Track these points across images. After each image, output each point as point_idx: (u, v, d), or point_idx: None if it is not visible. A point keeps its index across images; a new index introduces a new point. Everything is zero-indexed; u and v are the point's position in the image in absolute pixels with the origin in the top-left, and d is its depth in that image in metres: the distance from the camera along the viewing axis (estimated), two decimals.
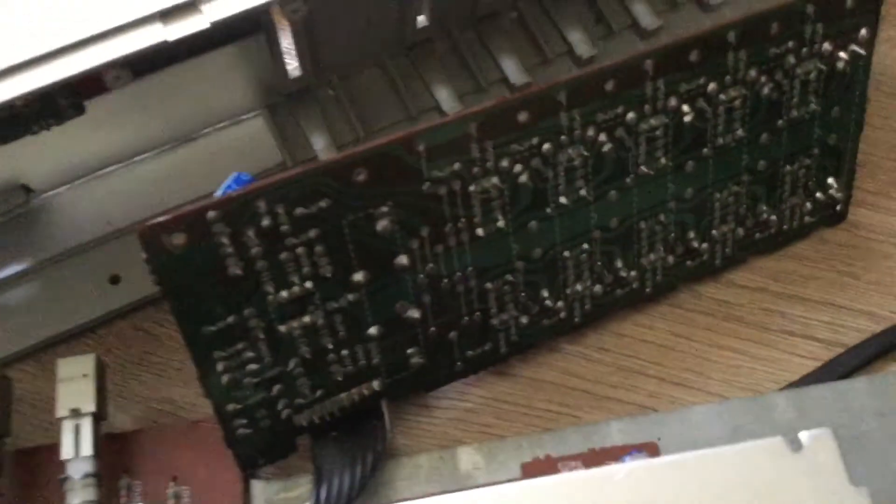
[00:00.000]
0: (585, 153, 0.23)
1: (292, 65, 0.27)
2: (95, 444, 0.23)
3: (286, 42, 0.25)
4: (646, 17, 0.29)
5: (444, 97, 0.28)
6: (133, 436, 0.25)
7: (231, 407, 0.22)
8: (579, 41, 0.28)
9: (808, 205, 0.28)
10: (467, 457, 0.25)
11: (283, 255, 0.21)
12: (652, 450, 0.24)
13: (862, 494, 0.18)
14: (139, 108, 0.26)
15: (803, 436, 0.19)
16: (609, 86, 0.22)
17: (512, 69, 0.28)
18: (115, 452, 0.24)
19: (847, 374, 0.27)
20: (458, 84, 0.28)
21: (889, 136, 0.30)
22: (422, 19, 0.28)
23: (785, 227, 0.28)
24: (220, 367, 0.22)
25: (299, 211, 0.20)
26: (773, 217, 0.27)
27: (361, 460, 0.23)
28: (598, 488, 0.18)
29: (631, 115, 0.23)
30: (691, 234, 0.26)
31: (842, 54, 0.25)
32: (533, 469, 0.24)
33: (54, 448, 0.23)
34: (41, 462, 0.24)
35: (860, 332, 0.27)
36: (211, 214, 0.20)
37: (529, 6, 0.29)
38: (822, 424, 0.25)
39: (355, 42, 0.27)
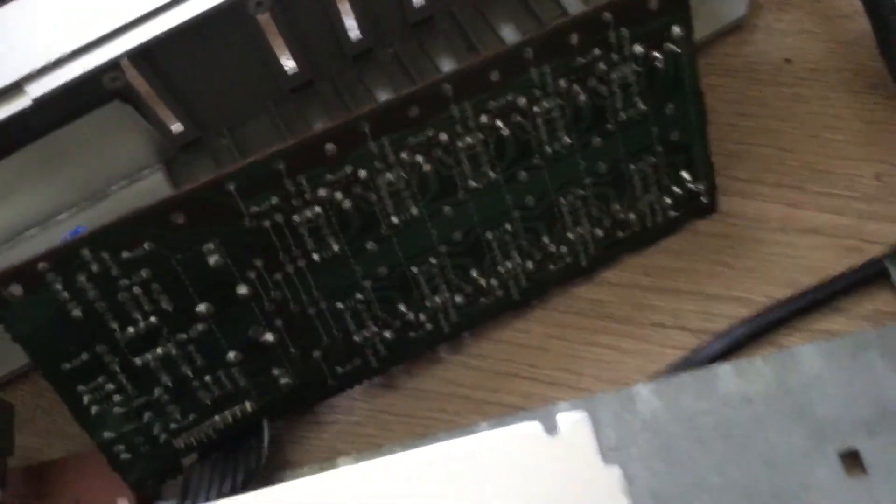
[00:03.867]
0: (405, 176, 0.25)
1: (173, 122, 0.30)
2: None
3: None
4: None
5: None
6: (46, 465, 0.28)
7: (107, 435, 0.25)
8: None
9: (668, 200, 0.28)
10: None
11: (120, 296, 0.23)
12: None
13: (613, 474, 0.19)
14: (41, 173, 0.29)
15: (560, 418, 0.20)
16: (413, 112, 0.24)
17: None
18: (27, 482, 0.27)
19: (713, 362, 0.27)
20: None
21: (764, 124, 0.31)
22: (291, 66, 0.30)
23: (649, 223, 0.29)
24: (85, 400, 0.24)
25: (125, 255, 0.23)
26: (632, 215, 0.28)
27: (231, 477, 0.26)
28: (361, 479, 0.20)
29: (444, 137, 0.25)
30: (545, 240, 0.28)
31: (657, 54, 0.26)
32: None
33: None
34: None
35: (732, 318, 0.28)
36: (41, 266, 0.22)
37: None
38: (687, 412, 0.26)
39: (227, 98, 0.29)
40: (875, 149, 0.30)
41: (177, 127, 0.30)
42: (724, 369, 0.27)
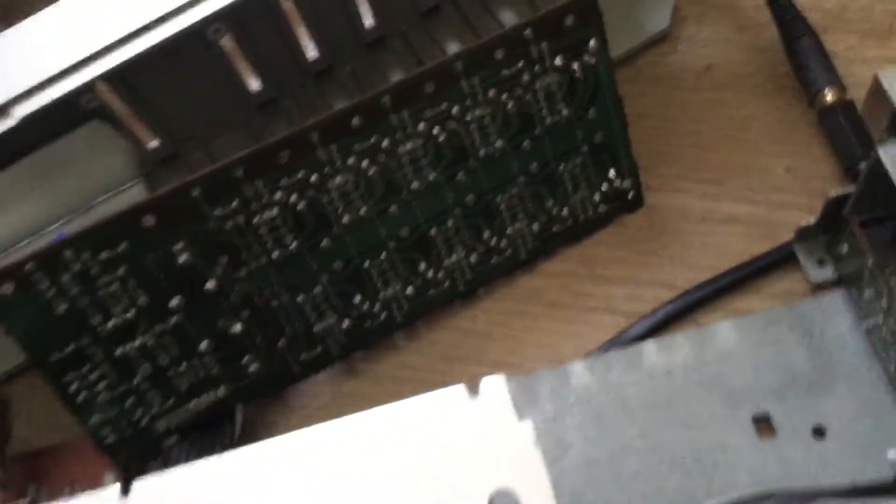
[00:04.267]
0: (353, 179, 0.28)
1: (149, 138, 0.33)
2: None
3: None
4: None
5: None
6: (42, 452, 0.31)
7: (94, 420, 0.28)
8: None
9: (597, 196, 0.31)
10: None
11: (101, 292, 0.26)
12: None
13: (527, 428, 0.21)
14: (30, 189, 0.32)
15: (482, 382, 0.23)
16: (357, 122, 0.27)
17: None
18: (25, 467, 0.30)
19: (641, 340, 0.30)
20: None
21: (686, 126, 0.34)
22: (256, 85, 0.33)
23: (581, 218, 0.32)
24: (73, 388, 0.27)
25: (104, 255, 0.26)
26: (565, 211, 0.31)
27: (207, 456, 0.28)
28: (289, 448, 0.23)
29: (386, 143, 0.28)
30: (486, 234, 0.31)
31: (575, 66, 0.29)
32: None
33: None
34: None
35: (657, 301, 0.31)
36: (28, 266, 0.25)
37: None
38: (615, 384, 0.29)
39: (198, 115, 0.32)
40: (785, 145, 0.33)
41: (153, 143, 0.33)
42: (649, 346, 0.30)
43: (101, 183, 0.33)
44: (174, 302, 0.27)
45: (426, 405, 0.22)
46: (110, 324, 0.27)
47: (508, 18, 0.34)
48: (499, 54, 0.28)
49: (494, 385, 0.22)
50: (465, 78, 0.28)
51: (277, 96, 0.33)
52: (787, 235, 0.31)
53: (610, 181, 0.31)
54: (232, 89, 0.32)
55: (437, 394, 0.22)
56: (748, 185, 0.32)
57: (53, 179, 0.32)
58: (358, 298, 0.30)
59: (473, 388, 0.22)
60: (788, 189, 0.32)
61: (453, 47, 0.33)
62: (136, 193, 0.34)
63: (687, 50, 0.35)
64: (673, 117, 0.34)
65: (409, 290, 0.30)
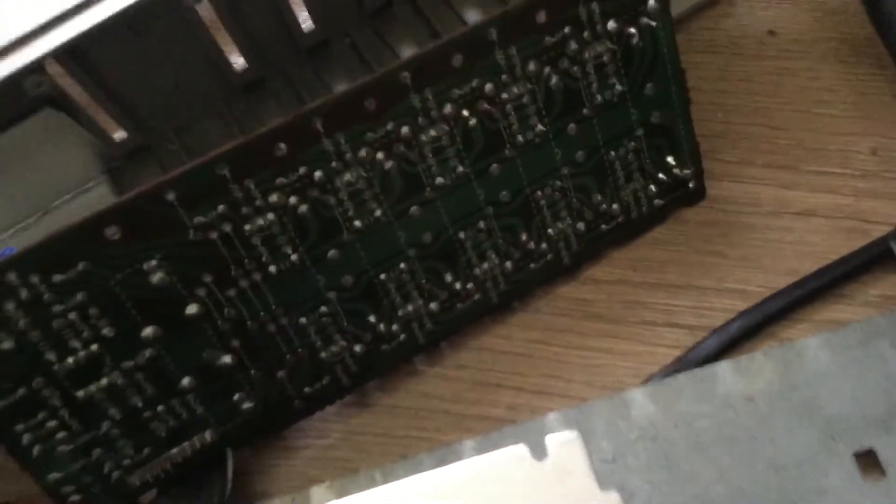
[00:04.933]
0: (366, 175, 0.23)
1: (114, 128, 0.27)
2: None
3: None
4: None
5: None
6: None
7: (53, 477, 0.23)
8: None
9: (653, 187, 0.26)
10: (319, 496, 0.25)
11: (56, 323, 0.21)
12: None
13: (611, 499, 0.17)
14: None
15: (549, 440, 0.18)
16: (370, 104, 0.22)
17: None
18: None
19: (712, 359, 0.25)
20: None
21: (749, 101, 0.29)
22: (240, 62, 0.28)
23: (633, 214, 0.27)
24: (25, 439, 0.22)
25: (57, 278, 0.21)
26: (615, 206, 0.26)
27: None
28: None
29: (406, 130, 0.23)
30: (524, 237, 0.25)
31: (632, 30, 0.24)
32: None
33: None
34: None
35: (728, 312, 0.26)
36: None
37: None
38: (685, 415, 0.24)
39: (172, 99, 0.27)
40: (869, 122, 0.28)
41: (119, 134, 0.28)
42: (723, 368, 0.25)
43: (56, 183, 0.28)
44: (147, 332, 0.22)
45: (481, 469, 0.17)
46: (69, 361, 0.22)
47: None
48: (540, 17, 0.23)
49: (566, 444, 0.17)
50: (501, 48, 0.23)
51: (265, 75, 0.28)
52: (879, 230, 0.26)
53: (668, 169, 0.26)
54: (211, 67, 0.27)
55: (494, 456, 0.17)
56: (827, 171, 0.27)
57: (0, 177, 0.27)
58: (372, 318, 0.25)
59: (540, 445, 0.17)
60: (876, 174, 0.27)
61: (471, 13, 0.28)
62: (99, 194, 0.29)
63: (745, 12, 0.30)
64: (734, 91, 0.29)
65: (433, 305, 0.25)
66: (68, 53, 0.23)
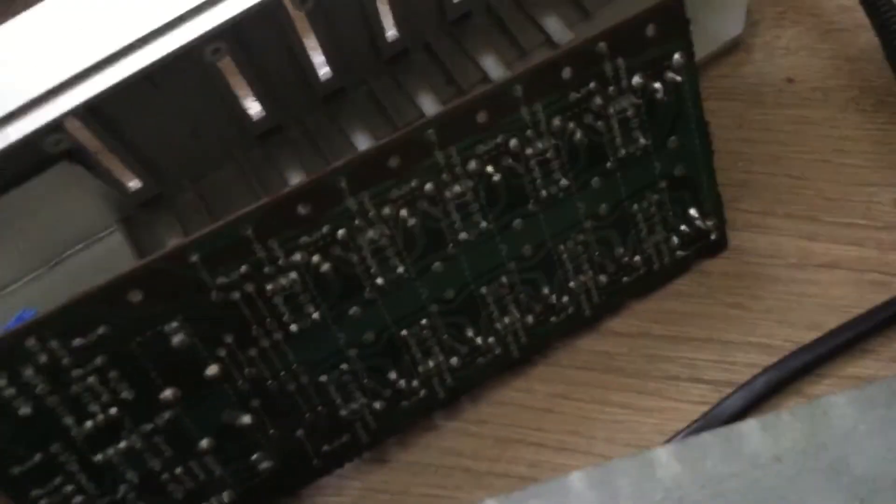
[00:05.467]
0: (389, 232, 0.22)
1: (129, 178, 0.27)
2: None
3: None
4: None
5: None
6: None
7: None
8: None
9: (675, 239, 0.26)
10: None
11: (74, 388, 0.21)
12: None
13: None
14: None
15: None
16: (394, 162, 0.22)
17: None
18: None
19: (737, 417, 0.25)
20: (314, 169, 0.28)
21: (771, 149, 0.28)
22: (256, 110, 0.28)
23: (655, 266, 0.26)
24: None
25: (77, 342, 0.20)
26: (637, 258, 0.26)
27: None
28: None
29: (430, 187, 0.22)
30: (545, 291, 0.25)
31: (657, 85, 0.23)
32: None
33: None
34: None
35: (753, 367, 0.26)
36: None
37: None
38: (711, 476, 0.24)
39: (188, 149, 0.27)
40: (891, 172, 0.28)
41: (134, 183, 0.27)
42: (750, 426, 0.24)
43: (69, 232, 0.28)
44: (167, 394, 0.22)
45: None
46: (88, 425, 0.21)
47: (553, 26, 0.28)
48: (566, 73, 0.22)
49: None
50: (526, 104, 0.22)
51: (282, 123, 0.28)
52: None
53: (690, 221, 0.26)
54: (228, 116, 0.27)
55: None
56: (850, 222, 0.27)
57: (12, 232, 0.26)
58: (393, 374, 0.24)
59: None
60: None
61: (488, 61, 0.28)
62: (113, 243, 0.28)
63: (764, 60, 0.30)
64: (753, 140, 0.29)
65: (454, 360, 0.25)
66: (87, 110, 0.22)
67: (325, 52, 0.27)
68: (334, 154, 0.28)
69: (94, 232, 0.28)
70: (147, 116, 0.25)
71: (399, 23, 0.27)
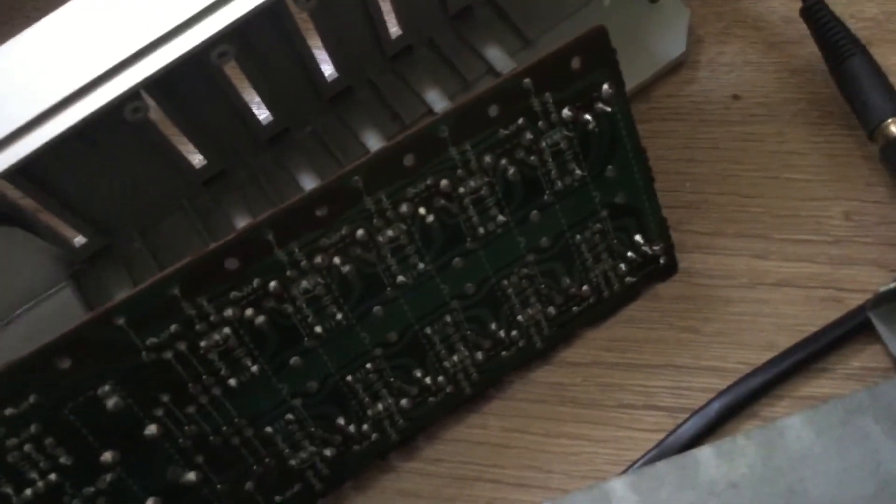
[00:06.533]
0: (323, 281, 0.22)
1: (73, 234, 0.27)
2: None
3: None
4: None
5: None
6: None
7: None
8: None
9: (623, 266, 0.26)
10: None
11: (11, 457, 0.21)
12: None
13: None
14: None
15: None
16: (322, 211, 0.22)
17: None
18: None
19: (693, 443, 0.25)
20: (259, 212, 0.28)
21: (719, 168, 0.28)
22: (198, 159, 0.28)
23: (605, 294, 0.26)
24: None
25: (9, 412, 0.20)
26: (585, 288, 0.26)
27: None
28: None
29: (361, 233, 0.22)
30: (493, 326, 0.25)
31: (587, 117, 0.23)
32: None
33: None
34: None
35: (707, 391, 0.25)
36: None
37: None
38: None
39: (131, 201, 0.27)
40: (840, 185, 0.27)
41: (79, 239, 0.27)
42: (705, 453, 0.24)
43: (18, 292, 0.28)
44: (106, 456, 0.22)
45: None
46: (27, 493, 0.21)
47: (494, 55, 0.28)
48: (492, 111, 0.22)
49: None
50: (454, 144, 0.22)
51: (226, 168, 0.28)
52: (856, 298, 0.25)
53: (637, 247, 0.26)
54: (169, 167, 0.26)
55: None
56: (801, 238, 0.27)
57: None
58: (342, 420, 0.24)
59: None
60: (851, 239, 0.26)
61: (432, 94, 0.28)
62: (63, 298, 0.28)
63: (709, 77, 0.30)
64: (701, 159, 0.28)
65: (404, 402, 0.25)
66: (18, 171, 0.22)
67: (263, 95, 0.27)
68: (280, 196, 0.28)
69: (45, 288, 0.28)
70: (82, 174, 0.25)
71: (339, 61, 0.27)
